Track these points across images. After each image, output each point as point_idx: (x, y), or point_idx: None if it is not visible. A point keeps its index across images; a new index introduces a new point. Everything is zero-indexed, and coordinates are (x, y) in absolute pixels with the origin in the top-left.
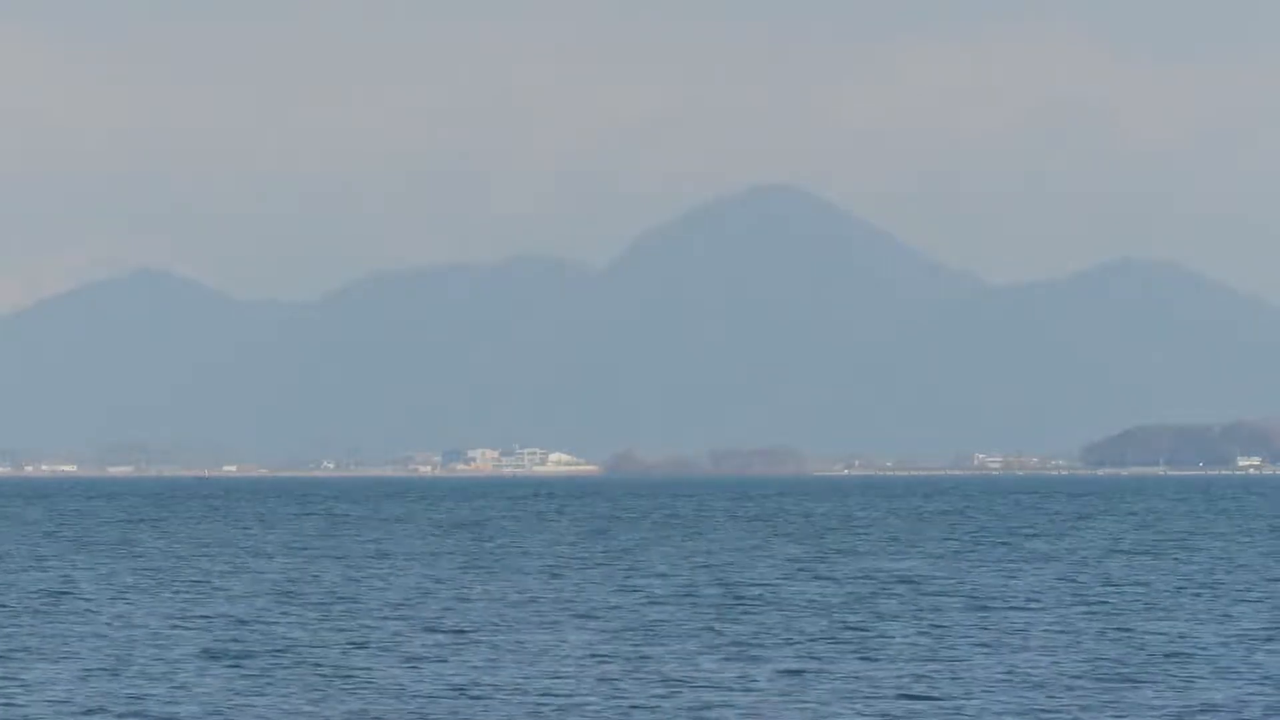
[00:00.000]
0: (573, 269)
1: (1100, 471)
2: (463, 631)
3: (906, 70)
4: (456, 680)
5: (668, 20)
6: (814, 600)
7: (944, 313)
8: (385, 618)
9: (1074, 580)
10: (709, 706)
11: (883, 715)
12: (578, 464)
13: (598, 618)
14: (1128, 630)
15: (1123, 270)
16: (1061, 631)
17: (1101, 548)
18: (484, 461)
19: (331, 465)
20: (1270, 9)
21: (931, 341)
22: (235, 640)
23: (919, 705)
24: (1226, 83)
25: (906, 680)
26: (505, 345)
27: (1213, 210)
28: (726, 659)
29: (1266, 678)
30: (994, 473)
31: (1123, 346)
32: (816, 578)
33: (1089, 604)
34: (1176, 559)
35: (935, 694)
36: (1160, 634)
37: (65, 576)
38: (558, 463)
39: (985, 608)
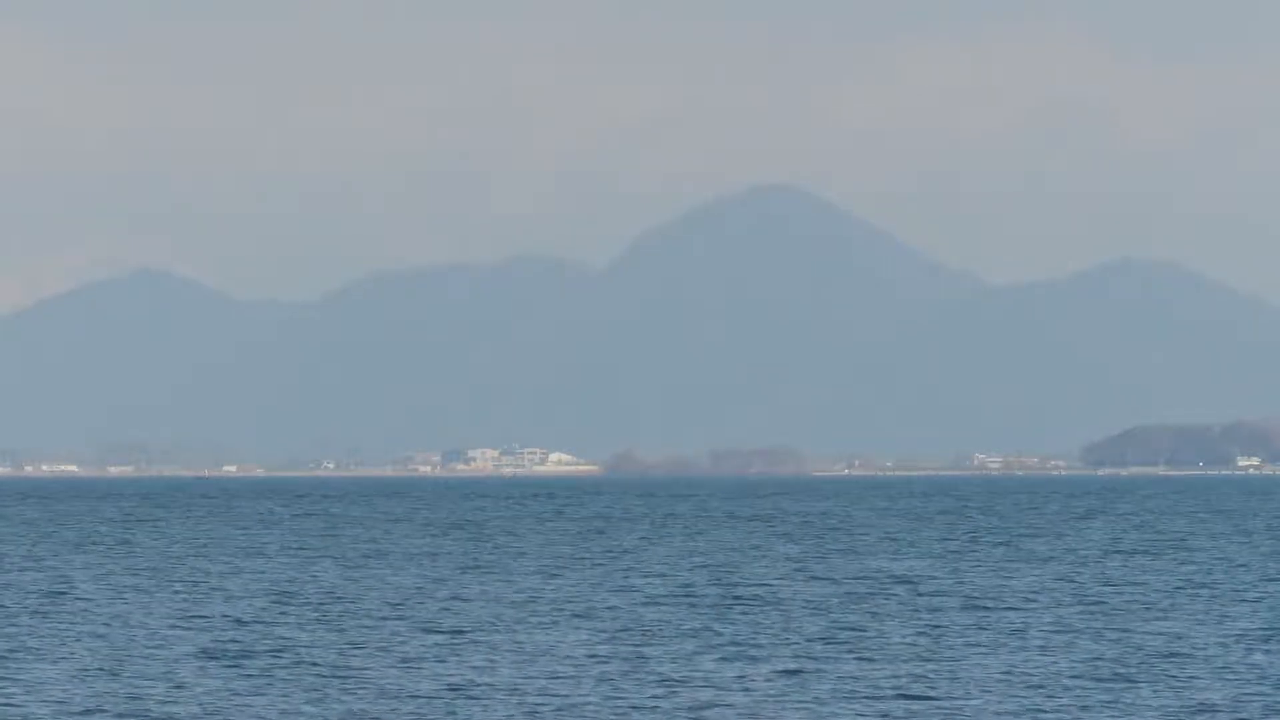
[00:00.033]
0: (573, 269)
1: (1100, 472)
2: (461, 632)
3: (906, 70)
4: (454, 680)
5: (668, 20)
6: (812, 600)
7: (944, 313)
8: (383, 618)
9: (1072, 580)
10: (707, 706)
11: (881, 715)
12: (578, 464)
13: (596, 618)
14: (1126, 630)
15: (1123, 270)
16: (1060, 632)
17: (1100, 548)
18: (484, 461)
19: (331, 465)
20: (1270, 9)
21: (931, 341)
22: (234, 640)
23: (917, 705)
24: (1226, 83)
25: (905, 680)
26: (505, 345)
27: (1213, 210)
28: (725, 659)
29: (1264, 678)
30: (994, 473)
31: (1123, 346)
32: (815, 578)
33: (1087, 604)
34: (1174, 559)
35: (933, 694)
36: (1158, 634)
37: (64, 577)
38: (558, 463)
39: (983, 608)
